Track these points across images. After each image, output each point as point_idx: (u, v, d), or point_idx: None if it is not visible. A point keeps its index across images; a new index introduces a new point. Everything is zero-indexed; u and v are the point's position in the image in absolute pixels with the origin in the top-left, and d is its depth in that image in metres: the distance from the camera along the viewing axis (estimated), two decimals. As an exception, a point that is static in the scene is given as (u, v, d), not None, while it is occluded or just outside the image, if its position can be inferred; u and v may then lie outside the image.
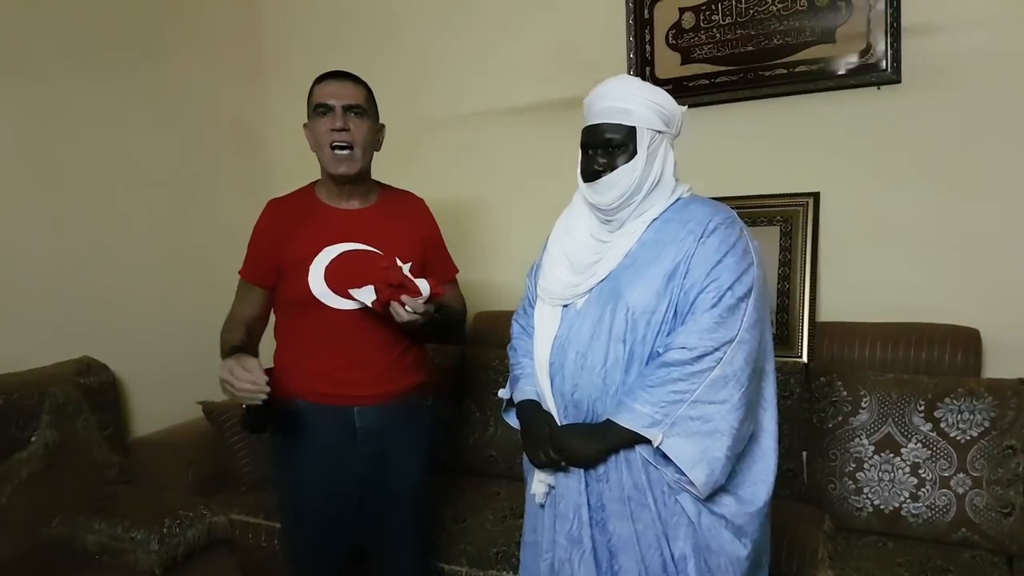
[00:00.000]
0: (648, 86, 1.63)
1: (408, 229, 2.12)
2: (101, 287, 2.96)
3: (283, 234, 2.01)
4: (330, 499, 2.03)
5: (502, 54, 3.27)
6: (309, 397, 2.00)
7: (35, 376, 2.60)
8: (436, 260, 2.20)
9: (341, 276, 1.95)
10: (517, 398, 1.79)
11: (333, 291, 1.95)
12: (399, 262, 1.93)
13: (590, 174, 1.63)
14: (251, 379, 1.72)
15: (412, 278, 1.84)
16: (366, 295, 1.84)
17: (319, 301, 1.95)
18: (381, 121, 2.10)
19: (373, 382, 2.02)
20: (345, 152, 1.97)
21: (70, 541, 2.42)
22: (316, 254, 1.97)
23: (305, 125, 2.04)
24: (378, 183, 2.17)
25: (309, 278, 1.96)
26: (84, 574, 2.32)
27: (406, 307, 1.81)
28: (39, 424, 2.52)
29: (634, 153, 1.58)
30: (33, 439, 2.50)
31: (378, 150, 2.10)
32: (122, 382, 2.96)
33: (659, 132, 1.60)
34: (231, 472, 2.94)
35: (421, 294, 1.83)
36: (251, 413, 2.10)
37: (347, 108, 1.97)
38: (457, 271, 2.30)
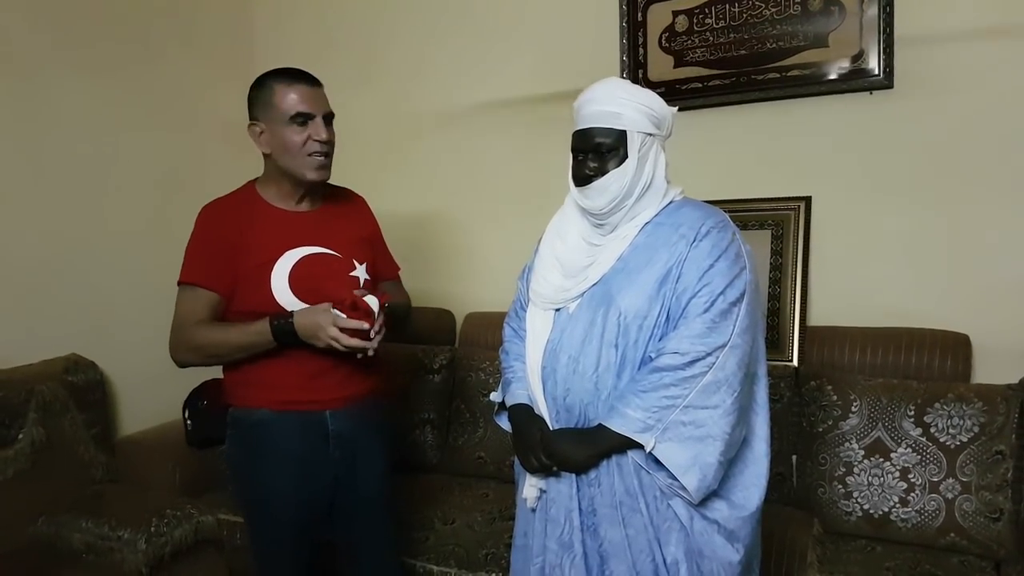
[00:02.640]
0: (638, 88, 1.62)
1: (356, 229, 2.08)
2: (90, 285, 2.94)
3: (236, 238, 1.91)
4: (301, 506, 1.98)
5: (493, 57, 3.27)
6: (277, 406, 1.94)
7: (22, 373, 2.57)
8: (379, 258, 2.16)
9: (305, 282, 1.89)
10: (509, 402, 1.78)
11: (299, 298, 1.88)
12: (356, 264, 1.92)
13: (581, 179, 1.62)
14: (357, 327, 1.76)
15: (362, 298, 1.81)
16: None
17: (284, 310, 1.87)
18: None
19: (341, 385, 1.98)
20: (324, 159, 1.91)
21: (56, 540, 2.39)
22: (276, 260, 1.90)
23: (254, 123, 1.92)
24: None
25: (272, 286, 1.88)
26: (70, 573, 2.30)
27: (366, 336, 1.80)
28: (25, 422, 2.49)
29: (625, 157, 1.58)
30: (20, 437, 2.47)
31: None
32: (110, 380, 2.94)
33: (649, 135, 1.60)
34: (219, 472, 2.92)
35: (373, 312, 1.80)
36: (200, 429, 2.04)
37: (325, 117, 1.91)
38: (399, 269, 2.26)
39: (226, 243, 1.91)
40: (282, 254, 1.91)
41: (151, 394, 3.07)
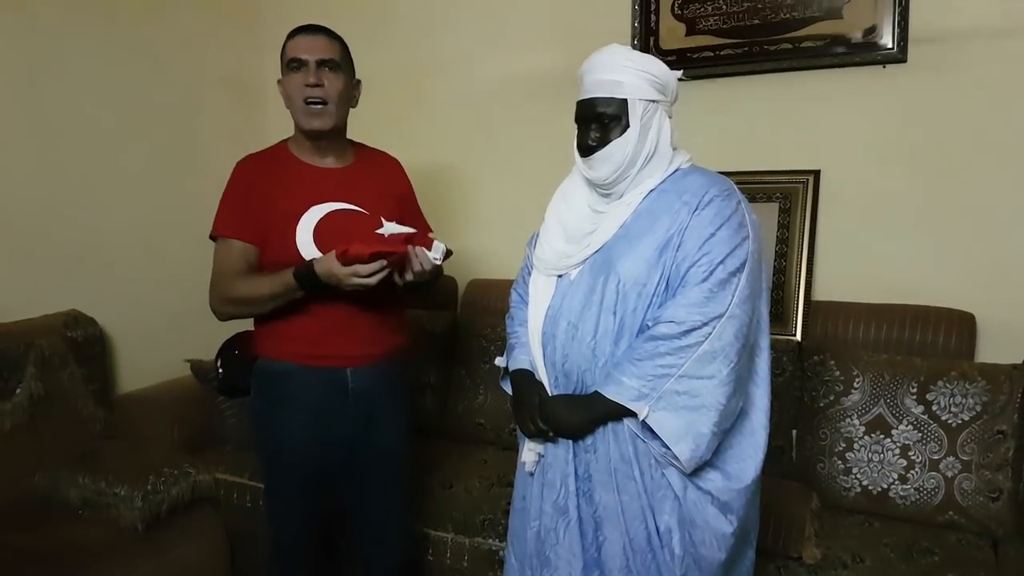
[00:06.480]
0: (639, 55, 1.60)
1: (387, 188, 2.09)
2: (91, 240, 2.92)
3: (264, 191, 1.96)
4: (316, 460, 2.02)
5: (504, 18, 3.22)
6: (299, 359, 1.98)
7: (21, 327, 2.57)
8: (410, 220, 2.13)
9: (329, 237, 1.90)
10: (511, 367, 1.78)
11: (322, 252, 1.89)
12: (383, 221, 1.91)
13: (584, 149, 1.61)
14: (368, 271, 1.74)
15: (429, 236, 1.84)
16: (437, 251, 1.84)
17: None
18: (358, 77, 2.05)
19: (363, 343, 2.00)
20: (318, 107, 1.92)
21: (52, 494, 2.40)
22: (301, 214, 1.93)
23: (279, 81, 1.99)
24: (352, 142, 2.12)
25: (297, 239, 1.91)
26: (66, 528, 2.30)
27: (419, 260, 1.82)
28: (24, 376, 2.49)
29: (627, 126, 1.56)
30: (18, 390, 2.47)
31: (354, 106, 2.05)
32: (109, 336, 2.93)
33: (653, 101, 1.57)
34: (217, 431, 2.93)
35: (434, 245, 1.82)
36: (229, 376, 2.05)
37: (321, 63, 1.92)
38: (431, 231, 2.23)
39: (256, 195, 1.96)
40: (307, 209, 1.93)
41: (151, 351, 3.08)
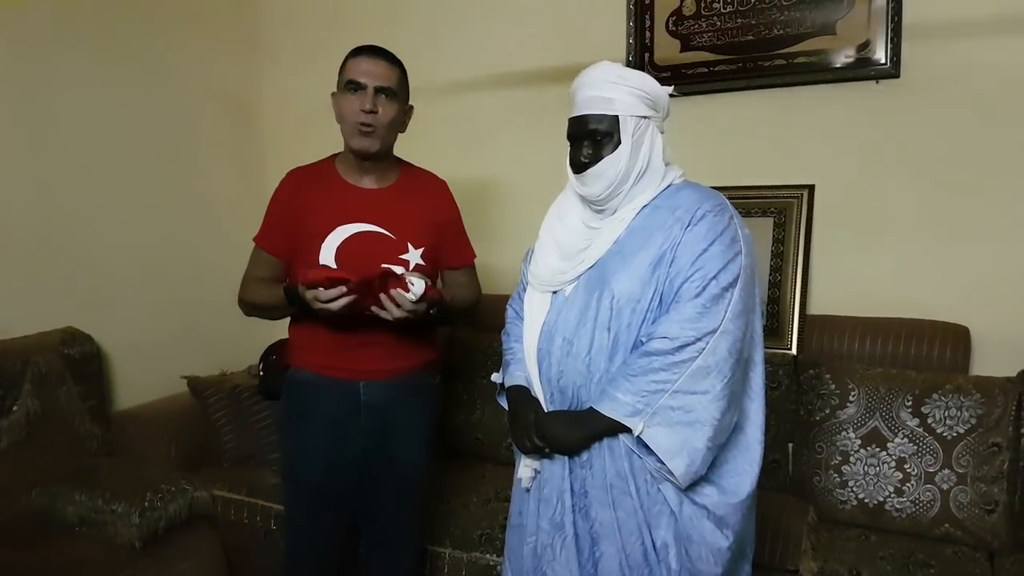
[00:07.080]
0: (630, 71, 1.61)
1: (424, 212, 2.09)
2: (87, 257, 2.93)
3: (300, 206, 2.01)
4: (331, 470, 2.04)
5: (504, 35, 3.23)
6: (317, 369, 2.03)
7: (18, 345, 2.57)
8: (452, 245, 2.18)
9: (351, 258, 1.95)
10: (507, 383, 1.78)
11: None
12: (410, 247, 1.95)
13: (577, 165, 1.62)
14: (327, 296, 1.79)
15: (406, 275, 1.83)
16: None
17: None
18: (410, 103, 2.08)
19: (382, 358, 2.03)
20: (367, 130, 1.94)
21: (49, 512, 2.40)
22: (329, 232, 1.97)
23: (333, 95, 2.02)
24: (400, 161, 2.14)
25: (320, 257, 1.96)
26: (63, 545, 2.29)
27: (395, 301, 1.82)
28: (21, 393, 2.49)
29: (620, 142, 1.57)
30: (14, 408, 2.47)
31: (403, 131, 2.08)
32: (106, 354, 2.93)
33: (644, 118, 1.59)
34: (214, 447, 2.93)
35: (408, 290, 1.81)
36: (267, 380, 2.11)
37: (379, 89, 1.94)
38: (474, 256, 2.28)
39: (291, 210, 2.03)
40: (334, 228, 1.98)
41: (147, 368, 3.08)
